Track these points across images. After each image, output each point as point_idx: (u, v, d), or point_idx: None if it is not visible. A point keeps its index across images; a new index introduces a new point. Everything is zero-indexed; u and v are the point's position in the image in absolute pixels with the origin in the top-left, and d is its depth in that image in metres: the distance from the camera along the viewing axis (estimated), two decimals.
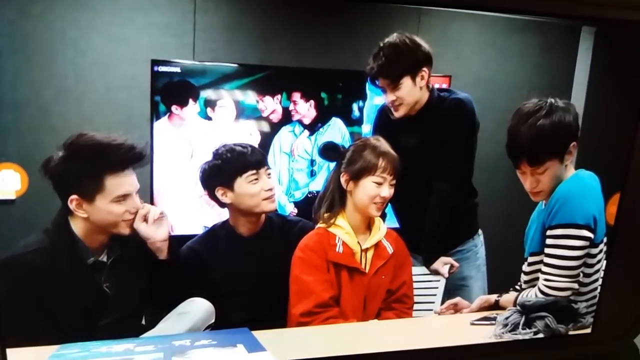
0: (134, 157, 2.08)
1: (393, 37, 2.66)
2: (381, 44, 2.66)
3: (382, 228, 2.46)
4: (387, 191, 2.36)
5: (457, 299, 2.42)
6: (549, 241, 2.16)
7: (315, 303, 2.29)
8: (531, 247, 2.26)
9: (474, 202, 2.94)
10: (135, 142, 2.07)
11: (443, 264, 2.71)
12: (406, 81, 2.64)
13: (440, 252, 2.77)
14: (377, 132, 2.87)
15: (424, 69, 2.66)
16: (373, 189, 2.35)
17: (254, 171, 2.39)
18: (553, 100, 2.15)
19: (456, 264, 2.72)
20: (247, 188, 2.39)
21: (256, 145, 2.52)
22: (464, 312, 2.38)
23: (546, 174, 2.16)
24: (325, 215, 2.43)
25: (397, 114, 2.71)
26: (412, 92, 2.66)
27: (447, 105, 2.72)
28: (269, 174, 2.45)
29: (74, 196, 2.01)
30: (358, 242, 2.39)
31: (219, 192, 2.42)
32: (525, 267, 2.29)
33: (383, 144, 2.40)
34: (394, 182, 2.38)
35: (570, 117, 2.13)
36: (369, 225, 2.45)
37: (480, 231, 2.98)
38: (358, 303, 2.35)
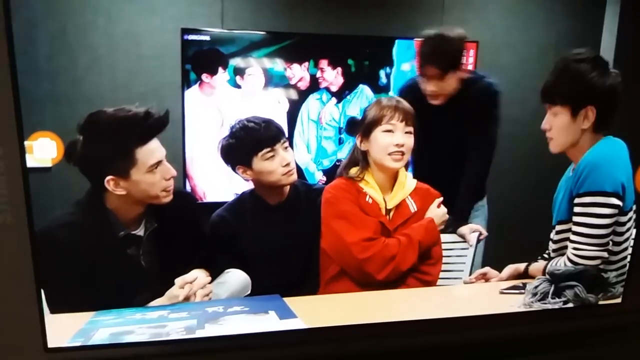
0: (159, 125, 2.02)
1: (448, 31, 2.76)
2: (437, 34, 2.77)
3: (408, 186, 2.39)
4: (400, 138, 2.27)
5: (487, 269, 2.38)
6: (577, 209, 2.11)
7: (364, 236, 2.27)
8: (559, 215, 2.21)
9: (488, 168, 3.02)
10: (156, 109, 2.00)
11: (471, 230, 2.68)
12: (452, 75, 2.74)
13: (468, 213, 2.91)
14: None
15: (463, 63, 2.80)
16: (384, 138, 2.27)
17: (269, 148, 2.33)
18: (602, 60, 2.11)
19: (485, 232, 2.68)
20: (265, 165, 2.34)
21: (272, 118, 2.44)
22: (493, 281, 2.34)
23: (557, 120, 2.13)
24: (353, 170, 2.38)
25: (436, 102, 2.80)
26: (452, 84, 2.77)
27: (479, 87, 2.84)
28: (286, 147, 2.39)
29: (110, 177, 1.97)
30: (384, 199, 2.34)
31: (239, 170, 2.39)
32: (553, 236, 2.24)
33: (390, 100, 2.35)
34: (409, 129, 2.29)
35: (602, 80, 2.07)
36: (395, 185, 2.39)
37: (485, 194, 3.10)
38: None
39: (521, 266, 2.30)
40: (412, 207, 2.38)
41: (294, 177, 2.42)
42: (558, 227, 2.21)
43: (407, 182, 2.40)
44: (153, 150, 2.01)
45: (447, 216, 2.44)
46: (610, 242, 2.09)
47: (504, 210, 3.23)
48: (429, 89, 2.78)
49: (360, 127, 2.36)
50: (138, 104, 2.00)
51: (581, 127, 2.10)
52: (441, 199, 2.43)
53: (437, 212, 2.40)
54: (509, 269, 2.32)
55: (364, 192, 2.32)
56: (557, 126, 2.13)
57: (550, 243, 2.26)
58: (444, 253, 2.46)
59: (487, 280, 2.35)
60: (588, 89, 2.08)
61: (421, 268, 2.33)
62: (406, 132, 2.29)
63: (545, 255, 2.30)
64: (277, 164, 2.35)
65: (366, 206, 2.31)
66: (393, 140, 2.27)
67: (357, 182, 2.34)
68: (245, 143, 2.35)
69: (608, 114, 2.10)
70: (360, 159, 2.37)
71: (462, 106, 2.79)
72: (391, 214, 2.35)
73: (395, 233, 2.32)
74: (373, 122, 2.30)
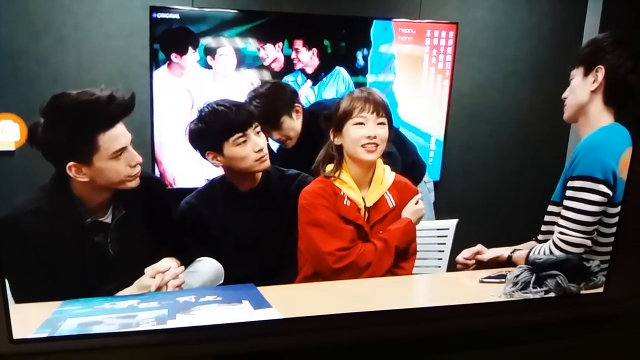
0: (123, 110, 2.01)
1: (263, 87, 2.91)
2: (252, 94, 2.87)
3: (386, 181, 2.40)
4: (372, 130, 2.26)
5: (479, 247, 2.42)
6: (567, 193, 2.17)
7: (340, 246, 2.28)
8: (554, 196, 2.28)
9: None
10: (121, 93, 1.98)
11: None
12: (286, 120, 2.86)
13: None
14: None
15: (297, 104, 2.89)
16: (356, 131, 2.27)
17: (241, 133, 2.33)
18: (621, 37, 2.20)
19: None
20: (236, 151, 2.34)
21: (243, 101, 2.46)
22: (479, 257, 2.39)
23: (572, 83, 2.24)
24: (329, 168, 2.38)
25: (290, 146, 2.93)
26: (293, 127, 2.89)
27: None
28: (258, 132, 2.39)
29: (71, 163, 1.96)
30: (363, 198, 2.35)
31: (209, 156, 2.39)
32: (545, 217, 2.30)
33: (361, 91, 2.34)
34: (381, 120, 2.29)
35: (613, 47, 2.17)
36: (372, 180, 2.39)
37: (423, 182, 3.18)
38: None
39: (505, 253, 2.33)
40: (391, 202, 2.39)
41: (267, 163, 2.42)
42: (549, 208, 2.28)
43: (385, 177, 2.41)
44: (117, 136, 2.00)
45: (424, 212, 2.46)
46: (596, 232, 2.14)
47: (485, 196, 3.26)
48: (275, 137, 2.93)
49: (332, 121, 2.36)
50: (104, 86, 1.98)
51: (590, 89, 2.18)
52: (419, 195, 2.46)
53: (415, 208, 2.42)
54: (493, 252, 2.37)
55: (341, 195, 2.32)
56: (572, 88, 2.24)
57: (542, 225, 2.32)
58: (423, 241, 2.49)
59: (478, 260, 2.39)
60: (599, 49, 2.18)
61: (395, 263, 2.35)
62: (379, 123, 2.29)
63: (540, 236, 2.35)
64: (250, 150, 2.35)
65: (344, 209, 2.32)
66: (365, 132, 2.27)
67: (334, 181, 2.35)
68: (215, 128, 2.34)
69: (616, 84, 2.17)
70: (335, 154, 2.37)
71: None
72: (370, 211, 2.37)
73: (372, 230, 2.35)
74: (344, 115, 2.30)
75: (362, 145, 2.27)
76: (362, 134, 2.27)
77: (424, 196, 3.04)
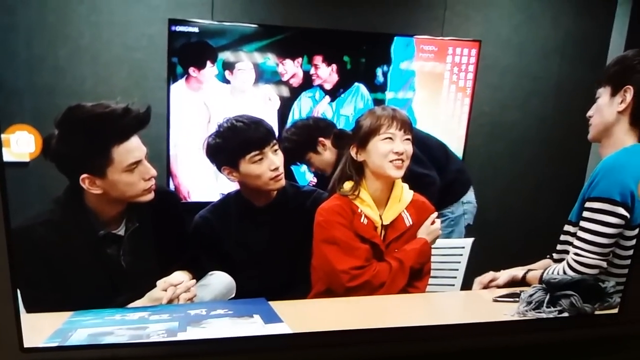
0: (139, 123, 2.04)
1: (289, 131, 3.08)
2: (284, 135, 3.01)
3: (404, 199, 2.41)
4: (400, 146, 2.30)
5: (491, 274, 2.42)
6: (585, 214, 2.17)
7: (355, 265, 2.30)
8: (571, 215, 2.27)
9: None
10: (136, 106, 2.02)
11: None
12: (312, 156, 2.95)
13: None
14: None
15: (321, 139, 2.94)
16: (384, 146, 2.30)
17: (257, 151, 2.35)
18: None
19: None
20: (252, 169, 2.37)
21: (263, 118, 2.46)
22: (491, 284, 2.38)
23: (599, 102, 2.23)
24: (347, 186, 2.38)
25: (329, 174, 2.88)
26: (323, 160, 2.95)
27: None
28: (276, 150, 2.41)
29: (85, 175, 2.00)
30: (380, 216, 2.37)
31: (225, 171, 2.42)
32: (561, 236, 2.30)
33: (384, 109, 2.36)
34: (408, 137, 2.32)
35: None
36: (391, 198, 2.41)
37: (460, 202, 3.17)
38: None
39: (519, 273, 2.34)
40: (408, 220, 2.41)
41: (282, 182, 2.44)
42: (566, 227, 2.28)
43: (404, 195, 2.42)
44: (132, 149, 2.04)
45: (440, 232, 2.48)
46: (612, 254, 2.14)
47: (502, 215, 3.26)
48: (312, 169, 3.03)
49: (353, 139, 2.38)
50: (120, 98, 2.02)
51: (617, 109, 2.18)
52: (436, 214, 2.48)
53: (432, 228, 2.44)
54: (507, 275, 2.37)
55: (359, 213, 2.35)
56: (598, 107, 2.23)
57: (558, 244, 2.33)
58: (438, 259, 2.50)
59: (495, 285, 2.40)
60: (628, 68, 2.17)
61: (409, 282, 2.37)
62: (405, 139, 2.32)
63: (555, 255, 2.35)
64: (265, 168, 2.37)
65: (361, 228, 2.34)
66: (393, 147, 2.29)
67: (353, 199, 2.36)
68: (233, 144, 2.37)
69: None
70: (354, 173, 2.38)
71: None
72: (386, 229, 2.39)
73: (388, 248, 2.37)
74: (370, 132, 2.32)
75: (390, 161, 2.30)
76: (390, 148, 2.29)
77: (455, 217, 3.06)
